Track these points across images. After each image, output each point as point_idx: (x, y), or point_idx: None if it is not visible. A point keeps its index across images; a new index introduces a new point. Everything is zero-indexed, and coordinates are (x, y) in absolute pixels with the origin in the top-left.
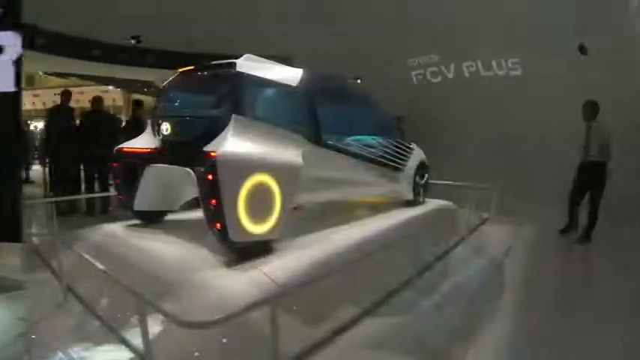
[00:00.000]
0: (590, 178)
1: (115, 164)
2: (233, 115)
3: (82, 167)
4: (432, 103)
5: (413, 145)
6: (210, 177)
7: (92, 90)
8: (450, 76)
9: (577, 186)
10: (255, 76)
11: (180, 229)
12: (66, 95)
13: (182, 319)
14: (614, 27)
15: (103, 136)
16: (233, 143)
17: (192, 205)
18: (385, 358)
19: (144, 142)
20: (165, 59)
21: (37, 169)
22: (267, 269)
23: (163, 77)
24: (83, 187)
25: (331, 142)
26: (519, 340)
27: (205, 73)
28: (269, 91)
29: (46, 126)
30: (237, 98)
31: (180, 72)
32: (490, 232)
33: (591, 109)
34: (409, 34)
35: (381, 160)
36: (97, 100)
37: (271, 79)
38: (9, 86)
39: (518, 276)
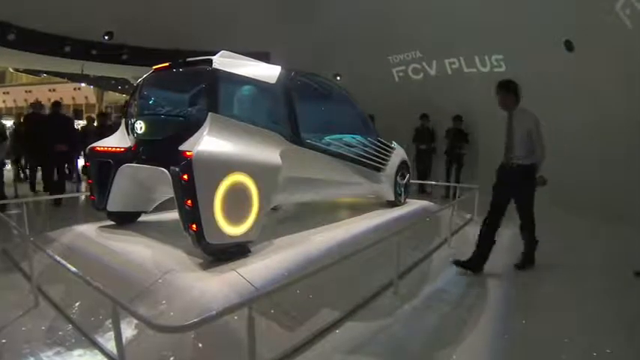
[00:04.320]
0: (513, 186)
1: (87, 164)
2: (209, 114)
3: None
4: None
5: (394, 145)
6: (185, 177)
7: (64, 87)
8: (433, 73)
9: (496, 197)
10: (232, 73)
11: (154, 230)
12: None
13: (156, 322)
14: (601, 23)
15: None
16: (209, 142)
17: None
18: None
19: (117, 141)
20: (140, 56)
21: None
22: (244, 271)
23: (137, 74)
24: None
25: (310, 141)
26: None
27: (181, 70)
28: (246, 89)
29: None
30: (214, 96)
31: (155, 69)
32: (473, 233)
33: (506, 93)
34: (390, 29)
35: (361, 159)
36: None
37: (249, 77)
38: None
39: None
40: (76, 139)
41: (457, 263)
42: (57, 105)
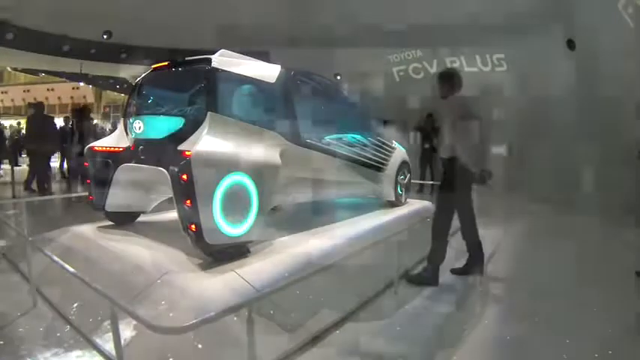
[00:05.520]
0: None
1: (86, 163)
2: (208, 113)
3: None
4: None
5: (395, 144)
6: (184, 177)
7: (63, 87)
8: (433, 72)
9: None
10: (231, 72)
11: (153, 230)
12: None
13: (155, 323)
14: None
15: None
16: (208, 142)
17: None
18: None
19: (116, 141)
20: (139, 55)
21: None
22: (243, 272)
23: (136, 74)
24: None
25: (310, 141)
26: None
27: (180, 69)
28: (246, 88)
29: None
30: (213, 95)
31: (154, 68)
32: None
33: (440, 82)
34: (390, 29)
35: (361, 159)
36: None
37: (248, 76)
38: None
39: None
40: (57, 139)
41: (455, 271)
42: (38, 106)
